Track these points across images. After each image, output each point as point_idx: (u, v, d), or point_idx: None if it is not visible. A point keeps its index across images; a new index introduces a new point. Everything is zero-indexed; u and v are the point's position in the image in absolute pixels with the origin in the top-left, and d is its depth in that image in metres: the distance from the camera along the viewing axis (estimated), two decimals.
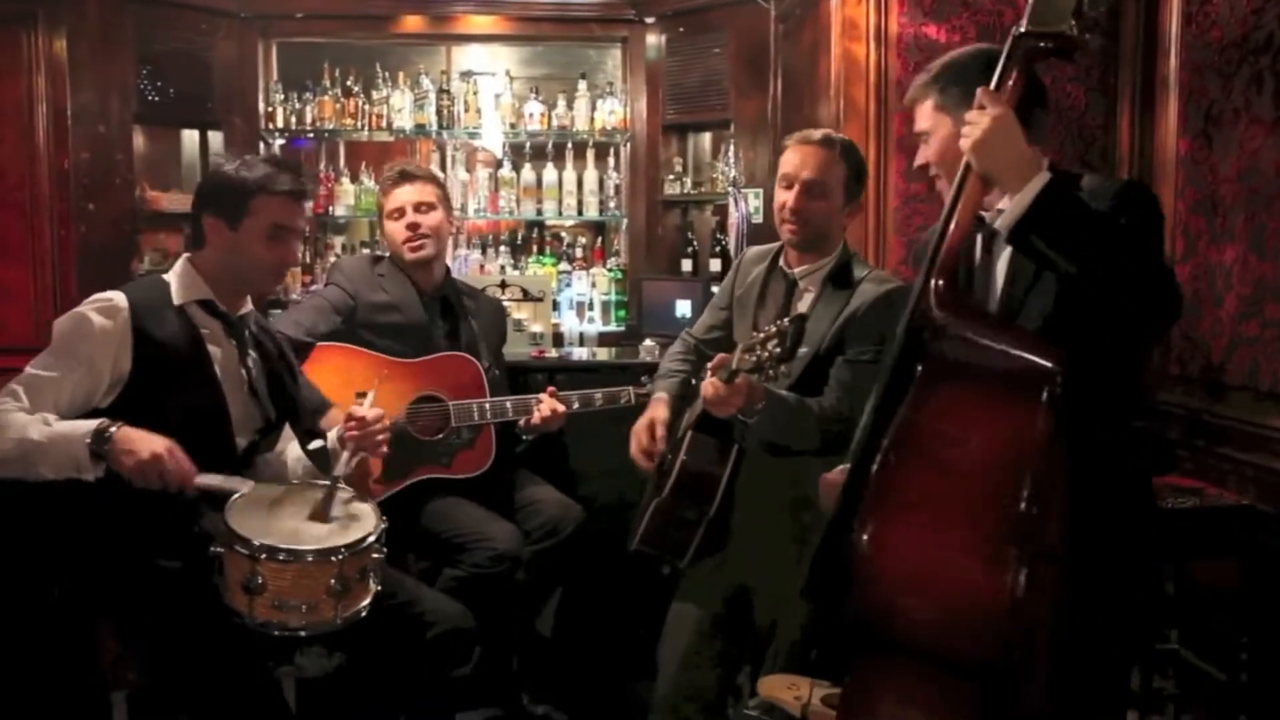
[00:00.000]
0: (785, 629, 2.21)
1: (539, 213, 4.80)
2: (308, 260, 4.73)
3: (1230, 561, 2.45)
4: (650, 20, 4.63)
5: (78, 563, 2.15)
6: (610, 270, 4.79)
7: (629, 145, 4.73)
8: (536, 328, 3.86)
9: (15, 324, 3.91)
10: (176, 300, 2.17)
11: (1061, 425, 1.44)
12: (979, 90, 1.63)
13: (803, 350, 2.36)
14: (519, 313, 3.80)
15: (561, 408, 2.94)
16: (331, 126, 4.67)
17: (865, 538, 1.46)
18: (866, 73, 3.25)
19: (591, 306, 4.65)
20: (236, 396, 2.21)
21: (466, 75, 4.78)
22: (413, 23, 4.68)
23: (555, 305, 4.45)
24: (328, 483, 2.15)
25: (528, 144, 4.83)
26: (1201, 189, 2.75)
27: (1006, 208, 1.61)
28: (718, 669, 2.45)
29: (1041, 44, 1.62)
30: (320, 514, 2.07)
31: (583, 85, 4.74)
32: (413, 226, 2.96)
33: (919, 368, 1.58)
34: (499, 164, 4.85)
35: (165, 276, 2.22)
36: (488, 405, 2.92)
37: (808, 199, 2.40)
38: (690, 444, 2.39)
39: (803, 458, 2.32)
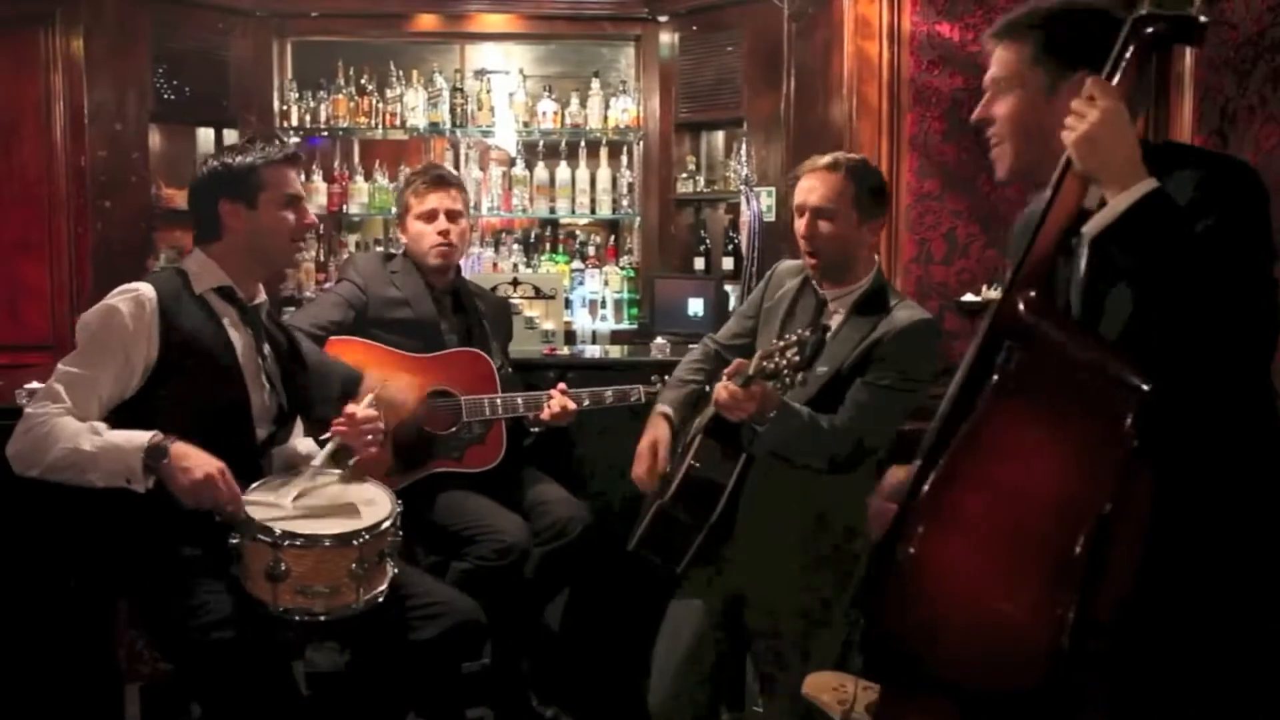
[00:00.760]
0: (788, 638, 2.21)
1: (552, 211, 4.81)
2: (321, 258, 4.75)
3: None
4: (663, 19, 4.64)
5: (96, 553, 2.17)
6: (623, 268, 4.79)
7: (642, 143, 4.74)
8: (548, 325, 3.87)
9: (33, 320, 3.96)
10: (197, 289, 2.21)
11: (1146, 456, 1.29)
12: (1090, 80, 1.45)
13: (823, 369, 2.36)
14: (530, 310, 3.80)
15: (572, 405, 2.94)
16: (346, 125, 4.70)
17: (908, 555, 1.35)
18: (879, 71, 3.25)
19: (604, 304, 4.66)
20: (254, 384, 2.24)
21: (480, 74, 4.80)
22: (427, 21, 4.71)
23: (568, 303, 4.46)
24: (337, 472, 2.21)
25: (541, 142, 4.85)
26: None
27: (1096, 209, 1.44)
28: (711, 673, 2.43)
29: (1164, 28, 1.42)
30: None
31: (596, 83, 4.75)
32: (444, 233, 2.99)
33: (993, 379, 1.43)
34: (512, 162, 4.85)
35: (182, 267, 2.25)
36: (499, 400, 2.93)
37: (818, 225, 2.39)
38: (699, 448, 2.38)
39: (815, 473, 2.31)
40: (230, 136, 4.57)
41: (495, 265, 4.76)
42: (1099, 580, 1.26)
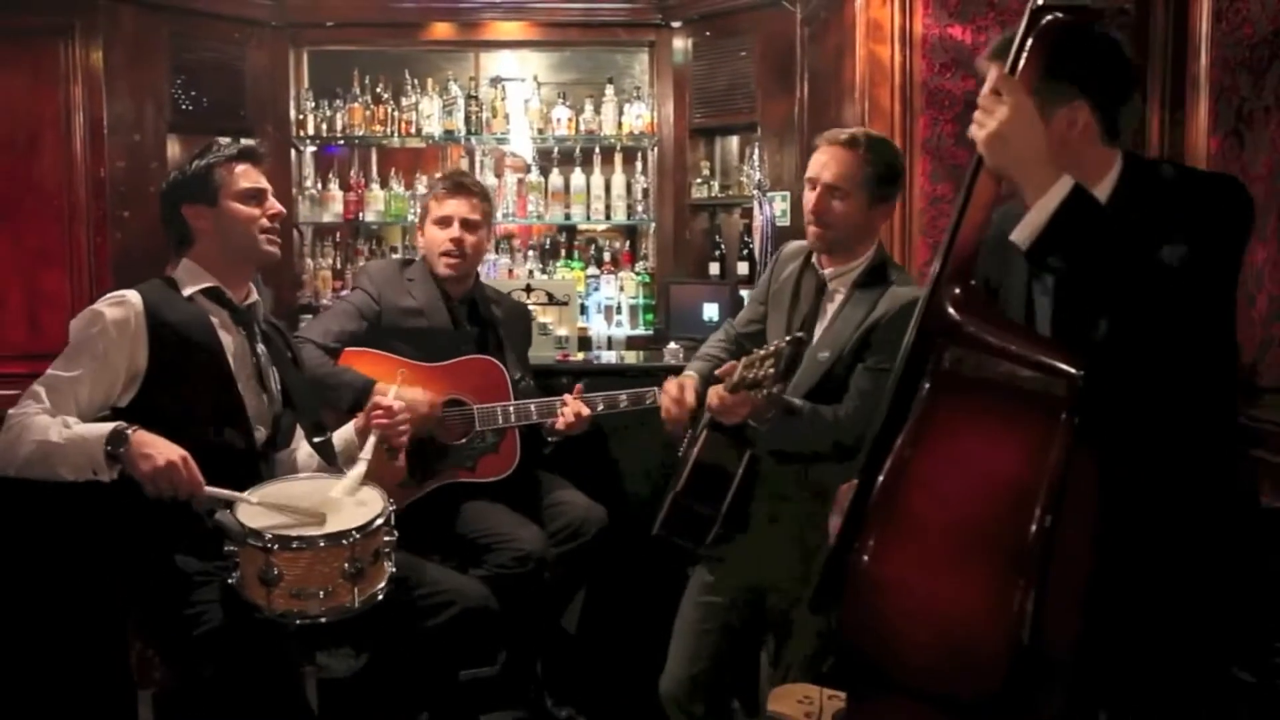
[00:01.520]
0: (799, 638, 2.20)
1: (567, 217, 4.83)
2: (338, 265, 4.78)
3: None
4: (676, 24, 4.64)
5: (101, 562, 2.19)
6: (638, 274, 4.79)
7: (656, 149, 4.74)
8: (562, 331, 3.87)
9: (53, 330, 3.98)
10: (185, 293, 2.24)
11: (1085, 439, 1.30)
12: (993, 74, 1.47)
13: (824, 355, 2.38)
14: (544, 316, 3.81)
15: (586, 410, 2.94)
16: (362, 133, 4.73)
17: (861, 568, 1.34)
18: (891, 74, 3.24)
19: (619, 310, 4.66)
20: (248, 385, 2.25)
21: (495, 81, 4.82)
22: (442, 30, 4.73)
23: (583, 309, 4.47)
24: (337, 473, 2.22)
25: (556, 149, 4.86)
26: None
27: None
28: (723, 662, 2.47)
29: (1060, 17, 1.44)
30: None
31: (610, 90, 4.76)
32: (456, 241, 2.98)
33: (928, 378, 1.45)
34: (527, 169, 4.87)
35: (169, 275, 2.29)
36: (512, 409, 2.93)
37: (828, 201, 2.39)
38: (705, 441, 2.40)
39: (824, 462, 2.31)
40: None
41: (511, 272, 4.78)
42: (1049, 569, 1.26)
